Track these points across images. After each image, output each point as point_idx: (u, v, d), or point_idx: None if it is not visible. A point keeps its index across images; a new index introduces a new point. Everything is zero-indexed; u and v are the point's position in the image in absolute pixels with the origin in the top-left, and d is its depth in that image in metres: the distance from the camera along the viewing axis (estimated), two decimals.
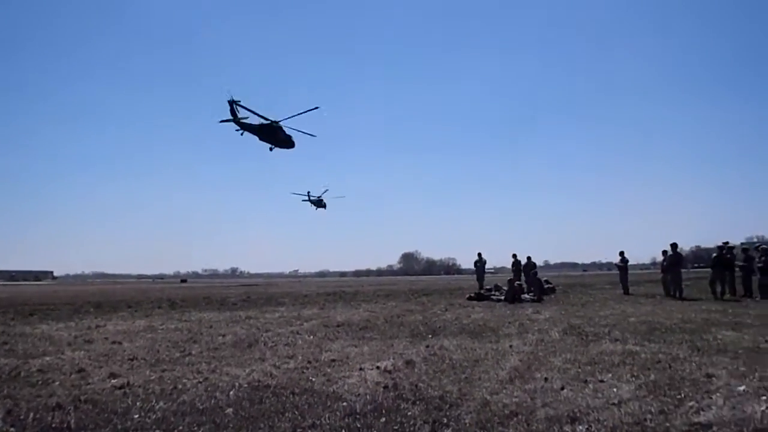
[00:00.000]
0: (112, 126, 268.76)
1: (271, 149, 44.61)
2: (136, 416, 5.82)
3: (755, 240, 66.53)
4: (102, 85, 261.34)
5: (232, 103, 41.27)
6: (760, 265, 21.27)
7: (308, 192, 66.30)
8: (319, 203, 66.52)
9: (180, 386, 7.24)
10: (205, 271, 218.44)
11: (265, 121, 42.95)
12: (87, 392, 6.97)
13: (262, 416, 5.74)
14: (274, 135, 43.62)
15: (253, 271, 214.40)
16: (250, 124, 42.62)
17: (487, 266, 30.41)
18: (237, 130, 42.28)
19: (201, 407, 6.14)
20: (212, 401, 6.41)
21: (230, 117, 41.68)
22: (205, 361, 9.11)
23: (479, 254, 28.66)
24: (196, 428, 5.39)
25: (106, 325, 14.78)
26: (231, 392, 6.83)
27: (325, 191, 66.67)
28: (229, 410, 5.97)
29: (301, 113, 42.64)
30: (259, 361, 8.97)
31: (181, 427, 5.41)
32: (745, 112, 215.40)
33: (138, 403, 6.35)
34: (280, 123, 43.26)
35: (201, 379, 7.63)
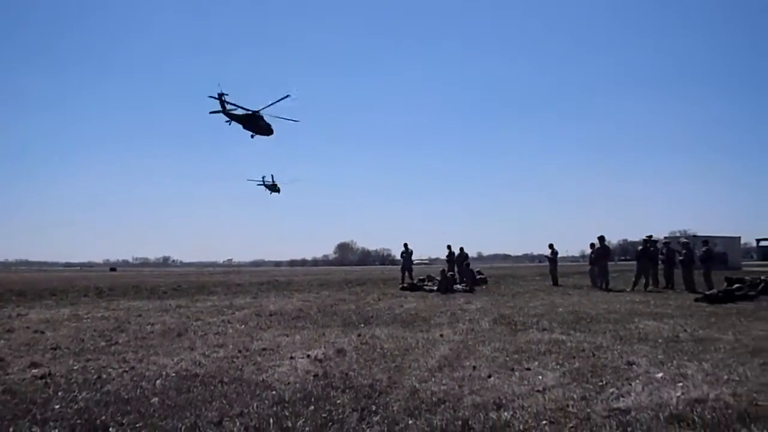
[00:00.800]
0: (39, 109, 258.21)
1: (252, 136, 48.42)
2: (57, 406, 5.66)
3: (678, 234, 68.96)
4: (27, 67, 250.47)
5: (221, 96, 44.94)
6: (681, 258, 22.12)
7: (263, 177, 67.33)
8: (273, 188, 67.60)
9: (104, 376, 7.08)
10: (136, 259, 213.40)
11: (248, 112, 46.54)
12: (6, 382, 6.76)
13: (188, 405, 5.66)
14: (256, 123, 47.35)
15: (185, 260, 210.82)
16: (237, 115, 46.29)
17: (421, 257, 30.64)
18: (226, 121, 46.37)
19: (126, 397, 6.01)
20: (138, 391, 6.28)
21: (219, 109, 45.51)
22: (132, 350, 8.93)
23: (405, 245, 28.75)
24: (119, 418, 5.27)
25: (28, 314, 14.33)
26: (158, 381, 6.71)
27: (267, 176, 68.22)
28: (155, 399, 5.86)
29: (276, 102, 46.20)
30: (188, 350, 8.85)
31: (104, 417, 5.27)
32: (677, 109, 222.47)
33: (60, 393, 6.18)
34: (261, 112, 47.03)
35: (127, 369, 7.48)
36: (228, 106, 45.85)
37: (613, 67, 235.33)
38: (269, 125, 48.24)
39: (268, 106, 46.79)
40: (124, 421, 5.18)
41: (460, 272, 24.98)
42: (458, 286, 22.43)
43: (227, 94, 45.52)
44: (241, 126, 47.66)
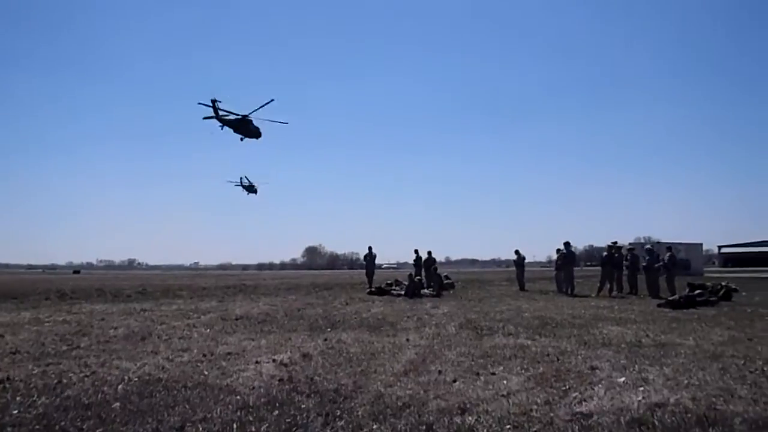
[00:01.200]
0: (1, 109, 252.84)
1: (242, 139, 49.62)
2: (15, 412, 5.56)
3: (642, 240, 70.05)
4: None
5: (214, 103, 46.69)
6: (644, 264, 22.49)
7: (240, 178, 67.77)
8: (250, 189, 68.16)
9: (65, 380, 6.96)
10: (101, 262, 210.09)
11: (238, 116, 48.01)
12: None
13: (150, 410, 5.59)
14: (246, 127, 48.78)
15: (151, 262, 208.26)
16: (229, 120, 47.78)
17: (389, 261, 30.68)
18: (219, 126, 47.80)
19: (86, 402, 5.91)
20: (99, 396, 6.18)
21: (212, 114, 46.93)
22: (94, 354, 8.79)
23: (369, 248, 28.72)
24: (79, 423, 5.18)
25: None
26: (119, 386, 6.61)
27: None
28: (117, 405, 5.78)
29: (262, 106, 47.46)
30: (152, 355, 8.74)
31: (63, 423, 5.19)
32: (643, 117, 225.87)
33: (18, 398, 6.07)
34: (250, 117, 48.37)
35: (88, 373, 7.36)
36: (221, 112, 47.17)
37: (583, 73, 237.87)
38: (258, 128, 49.60)
39: (256, 110, 48.06)
40: (84, 427, 5.11)
41: (427, 277, 25.04)
42: (425, 290, 22.49)
43: (220, 101, 47.20)
44: (225, 129, 48.57)
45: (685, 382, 6.59)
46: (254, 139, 50.37)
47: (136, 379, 7.03)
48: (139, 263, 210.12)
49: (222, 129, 47.98)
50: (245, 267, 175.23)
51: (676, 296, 17.12)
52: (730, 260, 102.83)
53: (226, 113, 47.61)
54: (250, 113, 48.42)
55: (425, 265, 26.51)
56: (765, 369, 7.24)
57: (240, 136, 49.39)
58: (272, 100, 47.92)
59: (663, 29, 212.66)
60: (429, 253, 27.22)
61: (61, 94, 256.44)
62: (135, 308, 16.60)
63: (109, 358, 8.41)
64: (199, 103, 47.02)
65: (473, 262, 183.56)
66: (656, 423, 5.02)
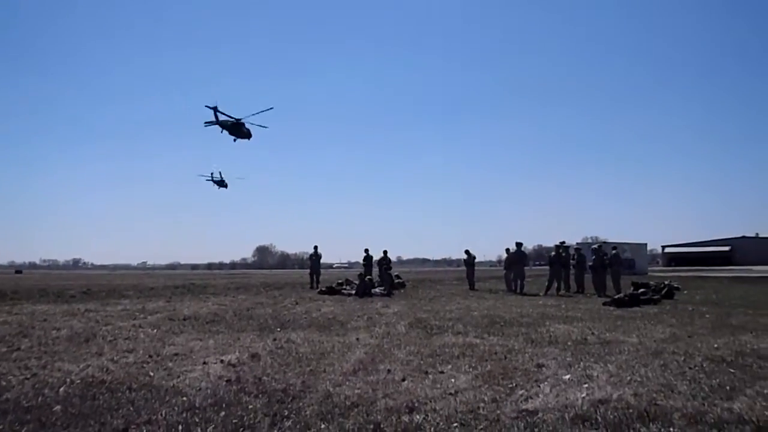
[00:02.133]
0: None
1: (234, 140, 54.13)
2: None
3: (590, 240, 71.51)
4: None
5: (215, 109, 51.62)
6: (590, 263, 22.95)
7: (212, 173, 69.00)
8: (221, 183, 69.49)
9: (4, 383, 6.75)
10: (44, 261, 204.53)
11: (234, 120, 52.77)
12: None
13: (93, 413, 5.46)
14: (240, 130, 53.45)
15: (97, 262, 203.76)
16: (228, 123, 52.64)
17: (341, 261, 30.57)
18: (221, 131, 52.79)
19: (26, 405, 5.75)
20: (39, 399, 6.02)
21: (213, 120, 51.94)
22: (35, 356, 8.54)
23: (315, 247, 28.61)
24: (18, 427, 5.04)
25: None
26: (61, 389, 6.45)
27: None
28: (58, 408, 5.63)
29: (260, 112, 52.69)
30: (96, 356, 8.54)
31: (2, 427, 5.04)
32: (591, 117, 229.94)
33: None
34: (242, 120, 53.07)
35: (29, 376, 7.15)
36: (221, 117, 52.13)
37: (535, 72, 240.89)
38: (249, 130, 53.95)
39: (252, 115, 53.11)
40: (23, 431, 4.97)
41: (382, 276, 25.05)
42: (376, 290, 22.51)
43: (221, 112, 52.24)
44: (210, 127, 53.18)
45: (628, 378, 6.74)
46: (247, 140, 54.91)
47: (79, 381, 6.86)
48: (84, 263, 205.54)
49: (222, 132, 52.89)
50: (194, 267, 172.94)
51: (621, 295, 17.51)
52: (673, 260, 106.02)
53: (226, 118, 52.58)
54: (244, 118, 53.24)
55: (380, 264, 26.44)
56: (704, 365, 7.46)
57: (233, 137, 53.92)
58: (271, 108, 53.45)
59: (611, 28, 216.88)
60: (384, 252, 27.16)
61: (6, 88, 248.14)
62: (79, 309, 16.18)
63: (51, 360, 8.19)
64: (206, 106, 52.15)
65: (424, 261, 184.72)
66: (599, 419, 5.12)
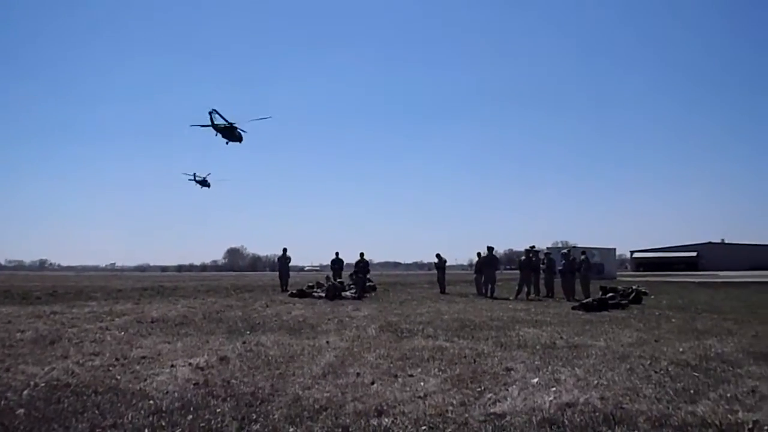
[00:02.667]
0: None
1: (227, 143, 56.31)
2: None
3: (560, 245, 72.19)
4: None
5: (211, 114, 53.64)
6: (560, 268, 23.16)
7: (194, 173, 70.89)
8: (204, 183, 71.34)
9: None
10: (10, 262, 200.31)
11: (228, 123, 54.87)
12: None
13: (57, 417, 5.39)
14: (232, 133, 55.61)
15: (64, 263, 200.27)
16: (218, 126, 54.31)
17: (312, 264, 30.40)
18: (215, 134, 54.58)
19: None
20: (2, 402, 5.93)
21: (207, 123, 53.76)
22: None
23: (284, 250, 28.46)
24: None
25: None
26: (25, 392, 6.35)
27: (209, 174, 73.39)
28: (21, 411, 5.55)
29: (257, 119, 56.58)
30: (61, 359, 8.42)
31: None
32: (560, 122, 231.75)
33: None
34: (234, 124, 55.39)
35: None
36: (217, 121, 54.00)
37: (506, 75, 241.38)
38: (240, 134, 56.56)
39: (250, 121, 56.82)
40: None
41: (361, 279, 24.93)
42: (347, 293, 22.49)
43: (219, 114, 54.42)
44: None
45: (595, 382, 6.82)
46: (238, 143, 57.46)
47: (43, 384, 6.76)
48: (51, 264, 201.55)
49: (216, 135, 54.85)
50: (164, 268, 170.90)
51: (590, 299, 17.68)
52: (642, 265, 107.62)
53: (221, 122, 54.60)
54: (242, 122, 56.52)
55: (358, 267, 26.18)
56: (669, 369, 7.57)
57: (225, 140, 56.28)
58: (269, 117, 58.60)
59: (581, 29, 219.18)
60: (361, 254, 26.87)
61: None
62: (44, 311, 15.94)
63: (15, 363, 8.06)
64: (209, 112, 54.05)
65: (396, 264, 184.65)
66: (566, 422, 5.18)
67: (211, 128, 54.59)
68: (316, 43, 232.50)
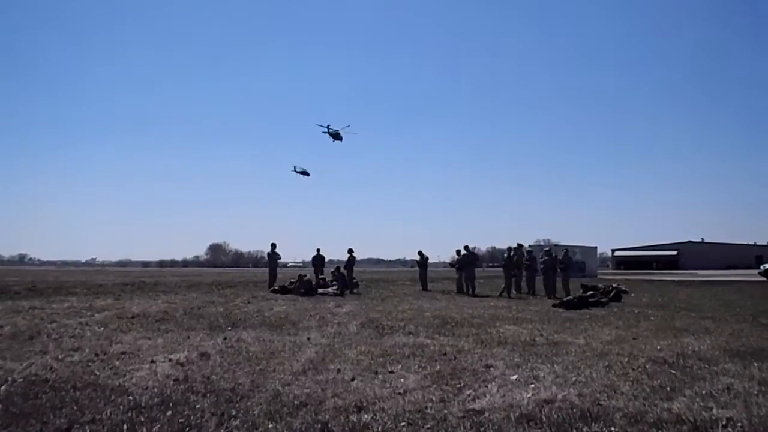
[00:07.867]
0: None
1: (333, 141, 70.47)
2: None
3: (542, 243, 72.56)
4: None
5: (329, 126, 68.32)
6: (542, 265, 23.30)
7: (328, 125, 76.37)
8: (336, 136, 74.84)
9: None
10: None
11: (336, 130, 69.40)
12: None
13: (35, 412, 5.36)
14: (337, 135, 69.57)
15: (44, 258, 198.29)
16: (330, 131, 69.07)
17: (295, 260, 30.31)
18: (332, 140, 69.91)
19: None
20: None
21: (326, 130, 68.66)
22: None
23: (273, 245, 28.36)
24: None
25: None
26: (2, 387, 6.33)
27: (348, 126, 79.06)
28: None
29: (346, 126, 71.26)
30: (40, 354, 8.37)
31: None
32: (542, 120, 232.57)
33: None
34: (339, 130, 70.24)
35: None
36: (331, 129, 68.20)
37: (487, 69, 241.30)
38: (342, 136, 69.86)
39: (345, 127, 70.18)
40: None
41: (348, 275, 24.90)
42: (329, 289, 22.49)
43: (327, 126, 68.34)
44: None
45: (573, 379, 6.88)
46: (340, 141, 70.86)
47: (21, 379, 6.72)
48: (30, 258, 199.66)
49: (333, 142, 69.63)
50: (146, 264, 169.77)
51: (571, 297, 17.83)
52: (622, 263, 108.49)
53: (334, 130, 68.79)
54: (338, 130, 69.38)
55: (347, 264, 26.15)
56: (647, 366, 7.65)
57: (333, 140, 69.67)
58: (349, 125, 70.45)
59: (559, 29, 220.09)
60: (350, 251, 26.87)
61: None
62: (23, 306, 15.79)
63: None
64: (317, 124, 71.05)
65: (378, 261, 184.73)
66: (544, 419, 5.22)
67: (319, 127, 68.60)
68: (300, 39, 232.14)
